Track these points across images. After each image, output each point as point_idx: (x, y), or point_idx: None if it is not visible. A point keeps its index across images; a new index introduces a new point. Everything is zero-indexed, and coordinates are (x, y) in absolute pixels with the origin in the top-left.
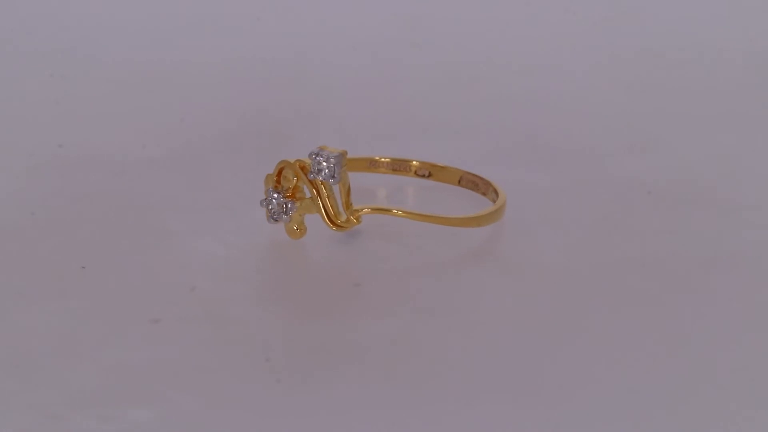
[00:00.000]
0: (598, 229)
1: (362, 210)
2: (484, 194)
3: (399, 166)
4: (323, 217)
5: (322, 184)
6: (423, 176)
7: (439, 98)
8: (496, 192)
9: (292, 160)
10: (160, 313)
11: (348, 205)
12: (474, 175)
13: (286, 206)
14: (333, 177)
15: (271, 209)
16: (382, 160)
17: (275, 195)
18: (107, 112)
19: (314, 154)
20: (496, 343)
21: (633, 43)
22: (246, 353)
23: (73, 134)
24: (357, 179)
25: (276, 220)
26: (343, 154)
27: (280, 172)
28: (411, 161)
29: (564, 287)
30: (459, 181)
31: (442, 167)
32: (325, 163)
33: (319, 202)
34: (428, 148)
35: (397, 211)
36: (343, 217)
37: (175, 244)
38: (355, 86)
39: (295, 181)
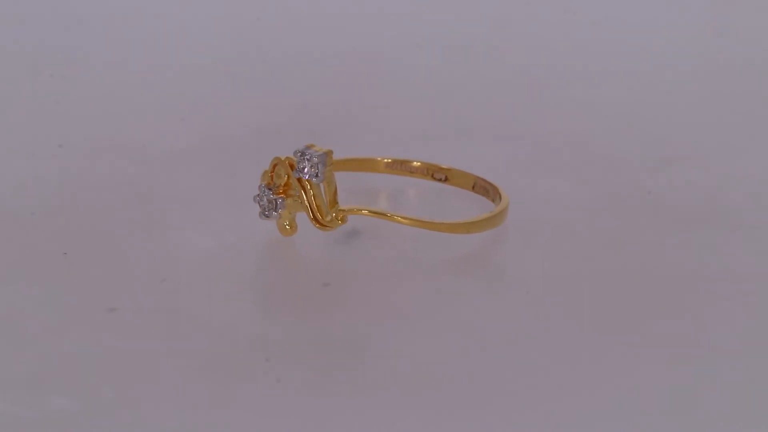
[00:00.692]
0: (601, 240)
1: (349, 210)
2: (492, 200)
3: (416, 169)
4: (308, 216)
5: (307, 182)
6: (440, 180)
7: (472, 102)
8: (501, 199)
9: (283, 157)
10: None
11: (333, 204)
12: (485, 181)
13: (276, 203)
14: (316, 176)
15: (262, 205)
16: (401, 161)
17: (267, 191)
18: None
19: (299, 152)
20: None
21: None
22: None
23: (90, 125)
24: (371, 179)
25: (267, 217)
26: (327, 154)
27: (273, 169)
28: (429, 164)
29: (552, 298)
30: (473, 187)
31: (458, 172)
32: (308, 162)
33: (305, 200)
34: (459, 151)
35: (384, 213)
36: (329, 217)
37: (167, 237)
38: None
39: (286, 178)
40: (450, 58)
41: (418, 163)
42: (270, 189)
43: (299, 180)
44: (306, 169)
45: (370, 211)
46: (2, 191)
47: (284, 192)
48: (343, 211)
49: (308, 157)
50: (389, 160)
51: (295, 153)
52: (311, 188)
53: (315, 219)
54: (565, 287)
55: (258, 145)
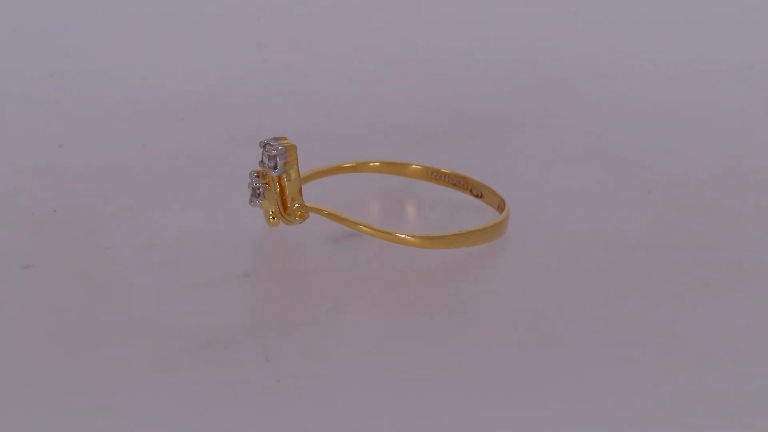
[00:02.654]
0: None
1: (310, 208)
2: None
3: (458, 182)
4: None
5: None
6: (477, 196)
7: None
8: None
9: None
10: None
11: (293, 199)
12: (504, 202)
13: (259, 191)
14: (274, 168)
15: (250, 193)
16: (443, 171)
17: (255, 179)
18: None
19: (263, 143)
20: None
21: None
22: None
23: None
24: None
25: (251, 204)
26: (288, 148)
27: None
28: (468, 178)
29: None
30: (497, 207)
31: (491, 191)
32: (266, 154)
33: (271, 191)
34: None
35: (344, 218)
36: (289, 211)
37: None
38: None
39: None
40: None
41: (448, 173)
42: (258, 177)
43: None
44: (265, 161)
45: (329, 213)
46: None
47: (269, 182)
48: (306, 208)
49: (268, 149)
50: (433, 170)
51: (260, 143)
52: (277, 181)
53: (279, 211)
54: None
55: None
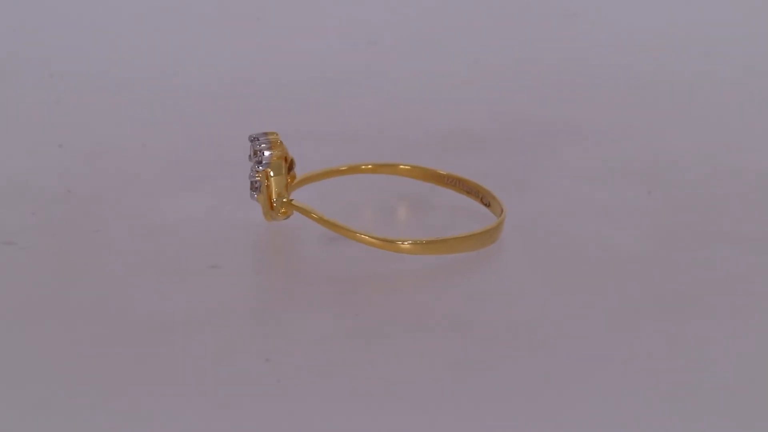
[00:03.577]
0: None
1: (296, 207)
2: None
3: (472, 190)
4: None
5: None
6: (486, 205)
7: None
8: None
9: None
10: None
11: (279, 195)
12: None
13: (257, 185)
14: (260, 163)
15: (249, 186)
16: (457, 177)
17: (254, 173)
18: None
19: (252, 136)
20: None
21: None
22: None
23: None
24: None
25: (252, 197)
26: (273, 144)
27: None
28: (480, 187)
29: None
30: (500, 213)
31: (498, 202)
32: (253, 148)
33: (262, 186)
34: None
35: (334, 223)
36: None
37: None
38: None
39: None
40: None
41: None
42: (257, 171)
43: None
44: (251, 155)
45: (318, 217)
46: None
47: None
48: (291, 206)
49: (255, 143)
50: (450, 176)
51: (249, 137)
52: (266, 176)
53: (266, 206)
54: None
55: None
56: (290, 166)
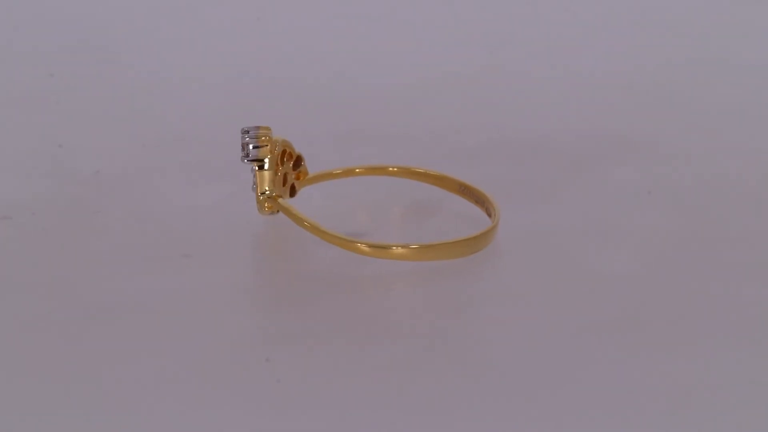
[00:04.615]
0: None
1: (277, 206)
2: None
3: (479, 199)
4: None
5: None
6: (490, 215)
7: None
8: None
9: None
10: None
11: (263, 191)
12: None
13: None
14: (247, 156)
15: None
16: (467, 185)
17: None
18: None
19: (243, 129)
20: None
21: None
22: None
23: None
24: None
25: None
26: (260, 138)
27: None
28: (487, 198)
29: None
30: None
31: (493, 208)
32: (241, 141)
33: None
34: None
35: (299, 216)
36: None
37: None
38: None
39: None
40: None
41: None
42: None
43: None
44: (241, 148)
45: (283, 206)
46: None
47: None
48: (276, 204)
49: (243, 136)
50: (462, 184)
51: (241, 129)
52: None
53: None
54: None
55: None
56: (296, 163)
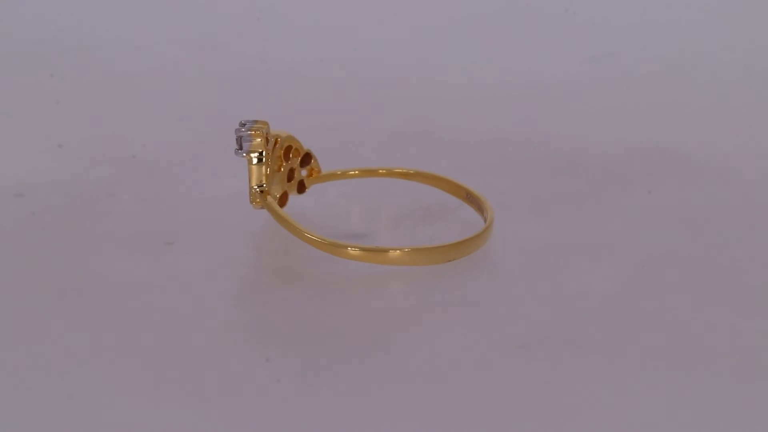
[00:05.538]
0: None
1: (263, 202)
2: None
3: (481, 207)
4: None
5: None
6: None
7: None
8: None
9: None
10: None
11: (258, 184)
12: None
13: None
14: (240, 148)
15: None
16: (474, 193)
17: None
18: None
19: (242, 123)
20: None
21: None
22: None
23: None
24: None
25: None
26: (253, 133)
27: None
28: (486, 206)
29: None
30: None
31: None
32: (236, 133)
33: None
34: None
35: (282, 216)
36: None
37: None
38: None
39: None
40: None
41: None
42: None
43: None
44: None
45: (267, 204)
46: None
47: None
48: (263, 201)
49: (238, 130)
50: (469, 191)
51: (240, 122)
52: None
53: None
54: None
55: None
56: (305, 160)
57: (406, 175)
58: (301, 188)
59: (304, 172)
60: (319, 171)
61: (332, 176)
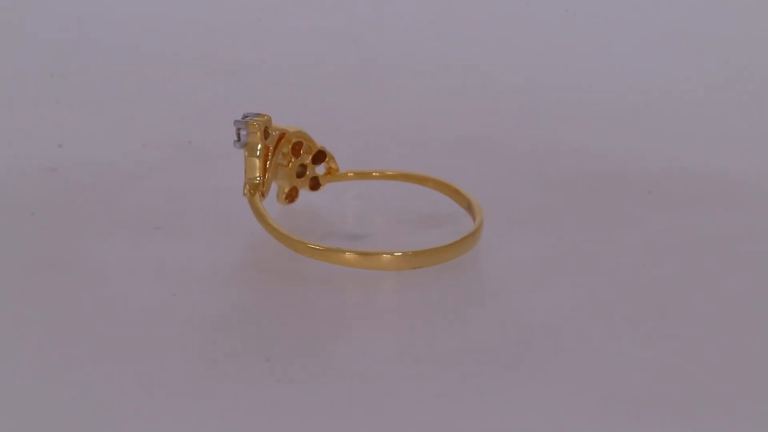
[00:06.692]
0: None
1: (253, 206)
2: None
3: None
4: None
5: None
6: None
7: None
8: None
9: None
10: None
11: (252, 178)
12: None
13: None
14: (238, 140)
15: None
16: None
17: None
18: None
19: (244, 114)
20: None
21: None
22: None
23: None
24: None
25: None
26: (250, 124)
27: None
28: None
29: None
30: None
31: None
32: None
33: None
34: None
35: (262, 214)
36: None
37: None
38: None
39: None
40: None
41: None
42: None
43: None
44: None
45: (253, 202)
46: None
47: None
48: (250, 198)
49: (237, 122)
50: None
51: (243, 114)
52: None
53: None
54: None
55: None
56: (318, 157)
57: (422, 180)
58: (314, 185)
59: (321, 170)
60: (337, 169)
61: (351, 176)
